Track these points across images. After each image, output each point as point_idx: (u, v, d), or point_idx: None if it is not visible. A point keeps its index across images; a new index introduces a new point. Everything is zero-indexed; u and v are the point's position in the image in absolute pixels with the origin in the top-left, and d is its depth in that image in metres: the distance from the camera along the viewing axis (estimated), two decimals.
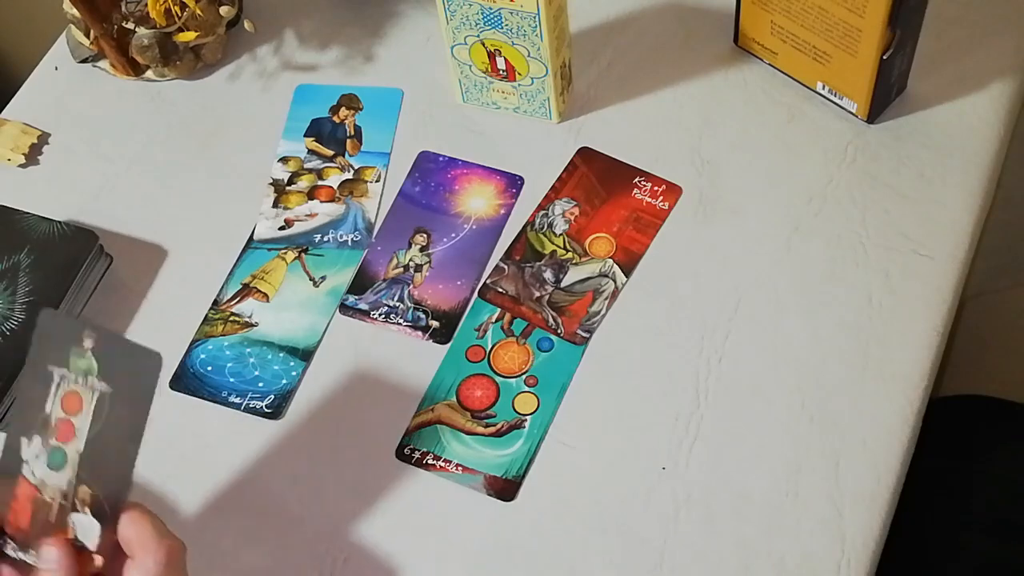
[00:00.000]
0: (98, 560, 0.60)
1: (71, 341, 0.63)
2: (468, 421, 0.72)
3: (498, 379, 0.74)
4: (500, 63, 0.80)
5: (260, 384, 0.75)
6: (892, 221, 0.77)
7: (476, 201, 0.82)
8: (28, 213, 0.79)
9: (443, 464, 0.71)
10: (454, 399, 0.73)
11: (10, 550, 0.60)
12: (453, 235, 0.80)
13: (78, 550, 0.59)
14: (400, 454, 0.72)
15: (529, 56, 0.79)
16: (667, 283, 0.77)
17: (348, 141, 0.85)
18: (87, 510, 0.60)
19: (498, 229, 0.80)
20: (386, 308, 0.77)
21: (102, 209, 0.83)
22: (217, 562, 0.69)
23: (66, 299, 0.76)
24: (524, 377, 0.74)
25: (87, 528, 0.60)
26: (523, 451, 0.71)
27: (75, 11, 0.85)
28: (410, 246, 0.80)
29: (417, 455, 0.72)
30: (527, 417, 0.72)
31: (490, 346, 0.75)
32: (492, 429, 0.72)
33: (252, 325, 0.78)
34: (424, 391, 0.74)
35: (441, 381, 0.74)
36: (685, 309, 0.75)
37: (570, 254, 0.78)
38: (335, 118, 0.87)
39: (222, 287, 0.79)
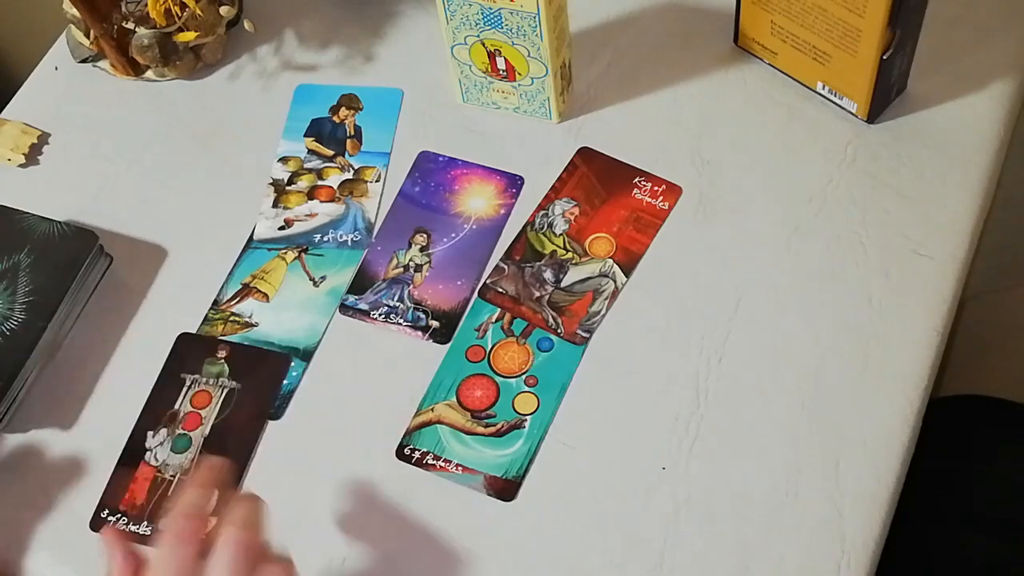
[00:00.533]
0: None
1: (206, 354, 0.75)
2: (468, 421, 0.72)
3: (498, 379, 0.74)
4: (500, 63, 0.80)
5: None
6: (892, 221, 0.77)
7: (476, 201, 0.82)
8: (28, 213, 0.79)
9: (443, 464, 0.71)
10: (454, 399, 0.73)
11: (121, 525, 0.69)
12: (453, 235, 0.80)
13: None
14: (400, 454, 0.72)
15: (529, 56, 0.79)
16: (667, 283, 0.77)
17: (348, 141, 0.85)
18: None
19: (498, 229, 0.80)
20: (386, 308, 0.77)
21: (102, 209, 0.83)
22: None
23: (66, 299, 0.76)
24: (524, 377, 0.74)
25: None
26: (523, 451, 0.71)
27: (75, 11, 0.85)
28: (410, 246, 0.80)
29: (417, 455, 0.72)
30: (527, 417, 0.72)
31: (490, 346, 0.75)
32: (492, 429, 0.72)
33: (252, 325, 0.78)
34: (424, 391, 0.74)
35: (441, 381, 0.74)
36: (685, 309, 0.75)
37: (570, 254, 0.78)
38: (335, 118, 0.87)
39: (222, 287, 0.79)
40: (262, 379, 0.74)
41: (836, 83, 0.81)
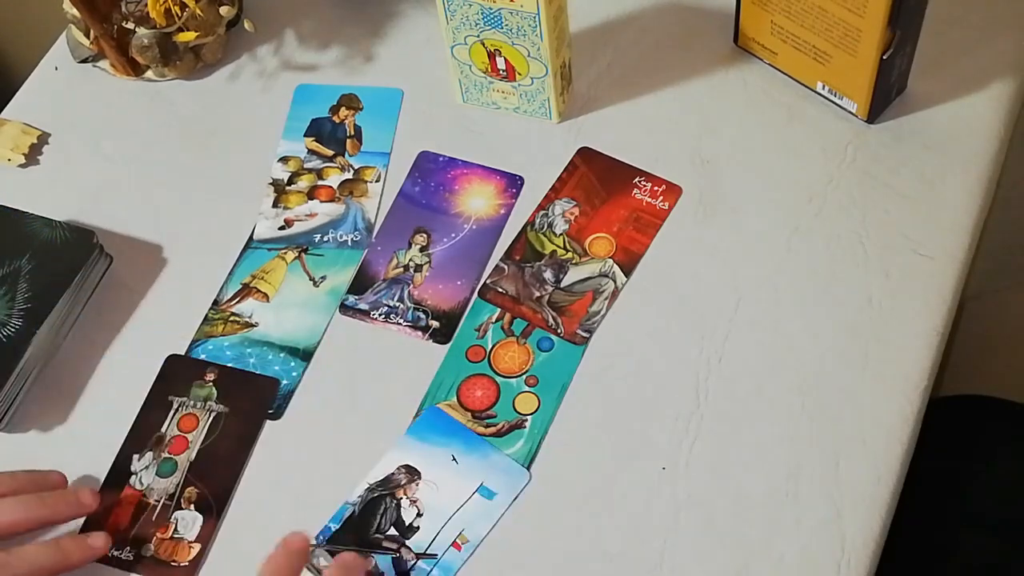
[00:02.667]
0: (195, 548, 0.68)
1: (194, 377, 0.74)
2: (469, 421, 0.72)
3: (498, 379, 0.74)
4: (500, 63, 0.80)
5: None
6: (892, 221, 0.77)
7: (476, 201, 0.82)
8: (27, 213, 0.79)
9: None
10: (455, 399, 0.73)
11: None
12: (453, 235, 0.80)
13: (175, 541, 0.69)
14: None
15: (529, 56, 0.79)
16: (667, 283, 0.77)
17: (348, 141, 0.85)
18: (191, 507, 0.70)
19: (498, 229, 0.80)
20: (386, 308, 0.77)
21: (102, 209, 0.83)
22: (217, 562, 0.69)
23: (63, 301, 0.75)
24: (524, 377, 0.74)
25: (190, 521, 0.70)
26: (524, 451, 0.71)
27: (75, 11, 0.85)
28: (410, 246, 0.80)
29: None
30: (528, 417, 0.72)
31: (490, 346, 0.75)
32: (493, 429, 0.72)
33: (252, 325, 0.77)
34: (424, 391, 0.74)
35: (442, 381, 0.74)
36: (685, 309, 0.75)
37: (570, 254, 0.78)
38: (335, 118, 0.87)
39: (222, 287, 0.79)
40: (249, 403, 0.74)
41: (836, 83, 0.81)
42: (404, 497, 0.68)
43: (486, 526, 0.67)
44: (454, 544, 0.67)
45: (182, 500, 0.71)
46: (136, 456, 0.72)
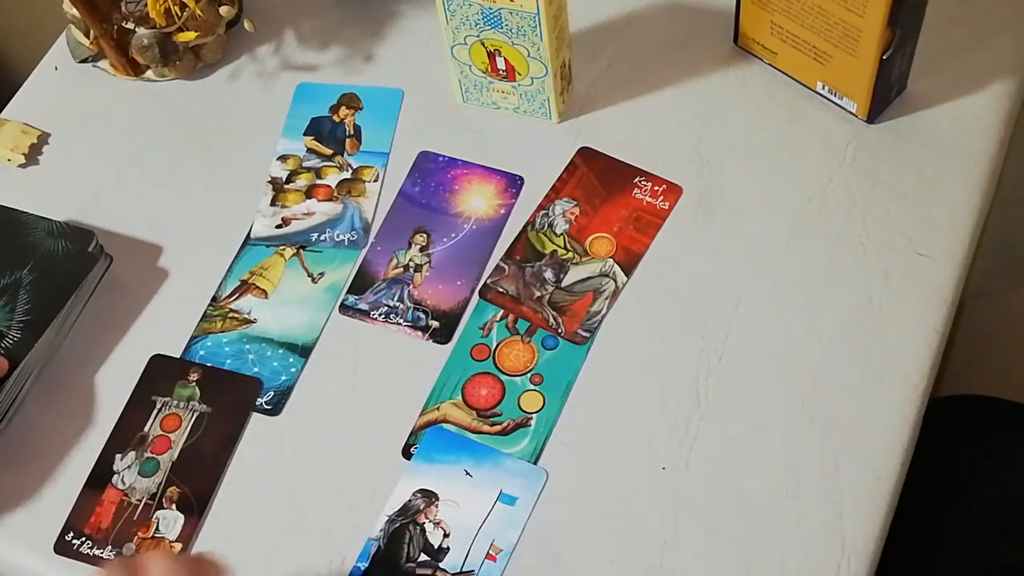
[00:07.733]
0: (177, 547, 0.69)
1: (178, 376, 0.75)
2: (474, 420, 0.72)
3: (503, 377, 0.74)
4: (500, 63, 0.80)
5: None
6: (892, 221, 0.77)
7: (476, 201, 0.82)
8: (28, 214, 0.79)
9: None
10: (459, 398, 0.73)
11: (85, 548, 0.69)
12: (453, 235, 0.80)
13: (157, 541, 0.69)
14: (407, 453, 0.72)
15: (529, 56, 0.79)
16: (667, 283, 0.77)
17: (347, 140, 0.85)
18: (173, 506, 0.70)
19: (498, 229, 0.80)
20: (386, 308, 0.77)
21: (102, 209, 0.83)
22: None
23: (69, 301, 0.75)
24: (529, 375, 0.74)
25: (171, 520, 0.70)
26: (529, 449, 0.71)
27: (75, 11, 0.85)
28: (410, 246, 0.80)
29: None
30: (533, 415, 0.72)
31: (495, 344, 0.75)
32: (498, 427, 0.72)
33: (251, 321, 0.77)
34: (423, 391, 0.74)
35: (447, 380, 0.74)
36: (685, 309, 0.75)
37: (570, 254, 0.78)
38: (335, 117, 0.87)
39: (221, 283, 0.79)
40: (232, 403, 0.74)
41: (836, 83, 0.81)
42: (427, 521, 0.68)
43: (516, 531, 0.67)
44: (488, 556, 0.66)
45: (164, 500, 0.71)
46: (119, 455, 0.72)
